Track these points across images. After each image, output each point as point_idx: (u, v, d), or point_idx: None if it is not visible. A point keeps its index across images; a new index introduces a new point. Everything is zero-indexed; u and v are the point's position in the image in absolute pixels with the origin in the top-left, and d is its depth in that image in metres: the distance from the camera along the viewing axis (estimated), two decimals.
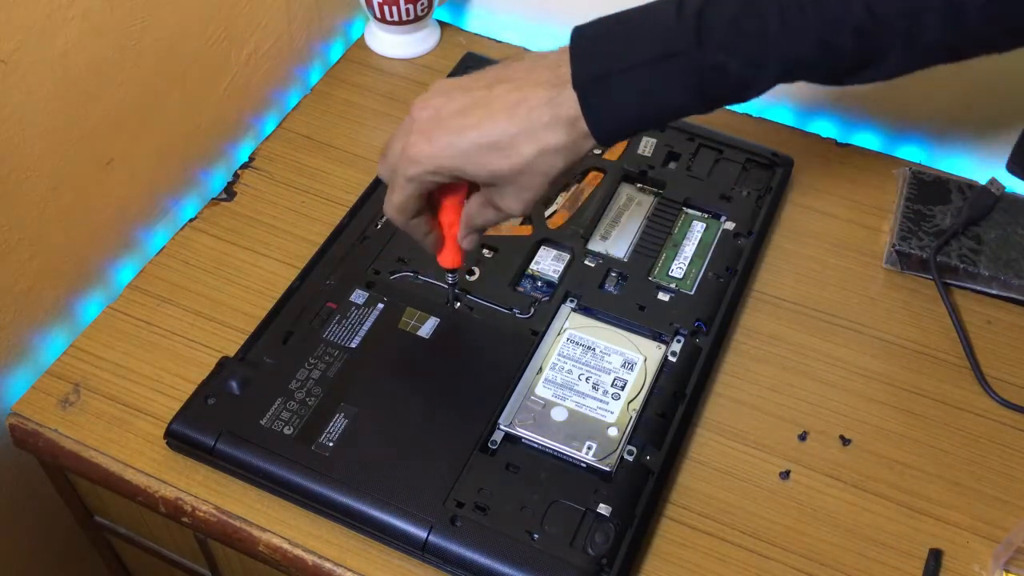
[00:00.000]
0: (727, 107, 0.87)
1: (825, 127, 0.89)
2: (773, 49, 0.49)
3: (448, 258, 0.61)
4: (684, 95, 0.50)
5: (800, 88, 0.87)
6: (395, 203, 0.56)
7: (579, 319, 0.70)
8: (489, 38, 0.95)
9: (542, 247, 0.75)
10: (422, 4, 0.89)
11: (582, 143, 0.51)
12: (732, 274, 0.74)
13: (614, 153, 0.81)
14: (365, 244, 0.74)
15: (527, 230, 0.75)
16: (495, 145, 0.51)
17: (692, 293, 0.72)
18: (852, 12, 0.47)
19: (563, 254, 0.74)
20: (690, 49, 0.48)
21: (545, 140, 0.51)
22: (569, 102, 0.50)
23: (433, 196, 0.58)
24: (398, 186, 0.55)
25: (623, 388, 0.66)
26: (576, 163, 0.52)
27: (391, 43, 0.93)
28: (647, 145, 0.82)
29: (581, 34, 0.51)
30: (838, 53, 0.49)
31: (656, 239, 0.75)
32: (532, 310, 0.70)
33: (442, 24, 0.96)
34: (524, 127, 0.50)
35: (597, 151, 0.82)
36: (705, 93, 0.50)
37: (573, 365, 0.67)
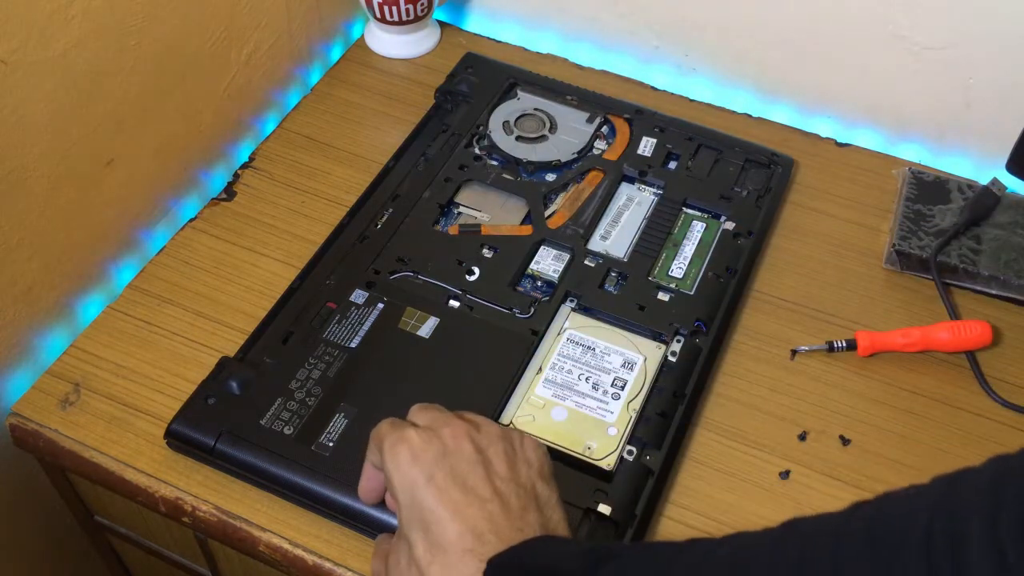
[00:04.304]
0: (727, 107, 0.89)
1: (825, 127, 0.89)
2: None
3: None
4: None
5: (800, 88, 0.87)
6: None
7: (579, 319, 0.70)
8: (489, 38, 0.95)
9: (542, 247, 0.75)
10: (422, 4, 0.89)
11: None
12: (732, 274, 0.74)
13: (614, 153, 0.81)
14: (365, 244, 0.74)
15: (527, 230, 0.75)
16: None
17: (692, 293, 0.72)
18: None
19: (563, 254, 0.74)
20: None
21: None
22: None
23: None
24: None
25: (623, 388, 0.66)
26: None
27: (391, 43, 0.93)
28: (647, 145, 0.82)
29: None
30: None
31: (656, 239, 0.75)
32: (532, 310, 0.70)
33: (442, 24, 0.96)
34: None
35: (598, 151, 0.82)
36: None
37: (573, 365, 0.67)
